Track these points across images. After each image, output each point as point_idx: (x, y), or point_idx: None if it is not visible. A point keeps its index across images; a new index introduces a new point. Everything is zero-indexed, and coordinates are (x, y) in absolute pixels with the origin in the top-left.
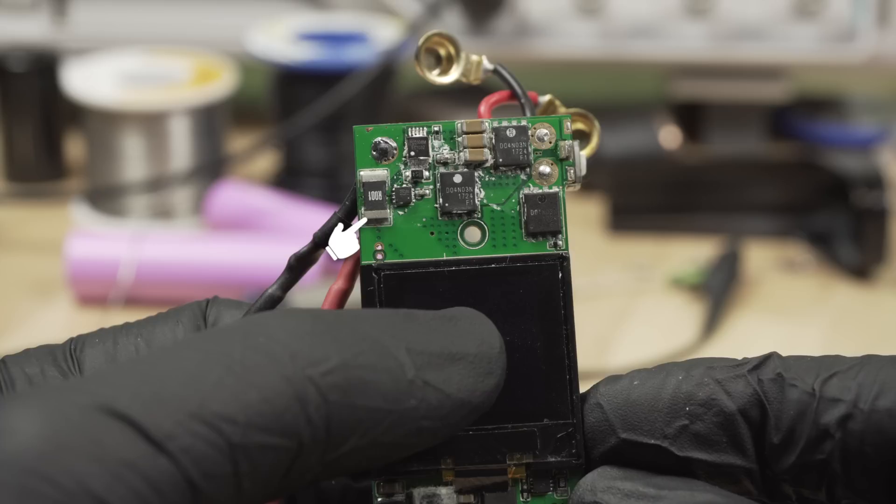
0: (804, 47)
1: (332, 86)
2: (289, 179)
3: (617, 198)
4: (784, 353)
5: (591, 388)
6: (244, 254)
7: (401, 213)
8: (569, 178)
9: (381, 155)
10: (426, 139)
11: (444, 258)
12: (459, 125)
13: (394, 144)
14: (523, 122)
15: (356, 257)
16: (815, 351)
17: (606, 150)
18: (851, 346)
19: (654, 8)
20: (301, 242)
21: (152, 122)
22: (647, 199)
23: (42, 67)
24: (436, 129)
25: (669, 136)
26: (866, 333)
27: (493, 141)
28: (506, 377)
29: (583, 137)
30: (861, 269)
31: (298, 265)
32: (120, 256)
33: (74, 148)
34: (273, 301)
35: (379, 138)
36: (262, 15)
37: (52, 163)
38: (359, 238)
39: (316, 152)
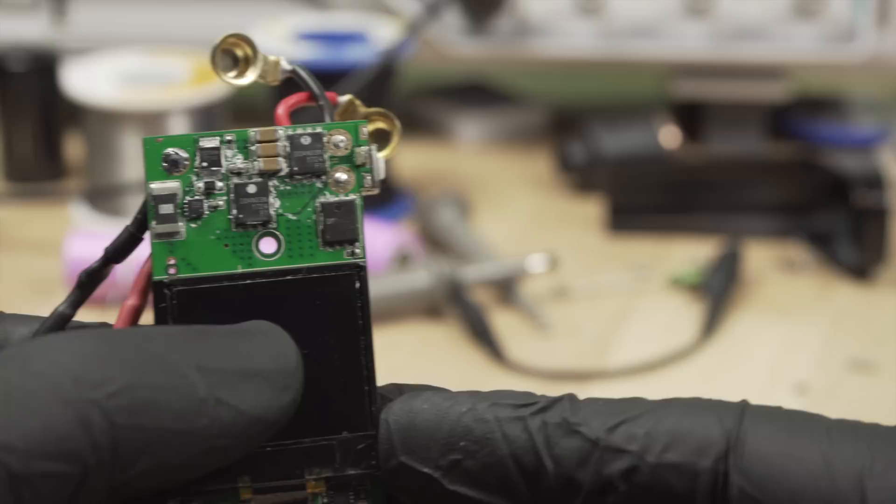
0: (804, 47)
1: (332, 86)
2: None
3: (617, 198)
4: (784, 354)
5: (388, 403)
6: None
7: (193, 225)
8: (366, 185)
9: (172, 166)
10: (218, 149)
11: (239, 271)
12: (253, 134)
13: (185, 155)
14: (318, 129)
15: (148, 272)
16: (815, 351)
17: (606, 150)
18: (851, 346)
19: (654, 8)
20: None
21: (152, 122)
22: (647, 199)
23: (42, 67)
24: (228, 138)
25: (669, 136)
26: (866, 333)
27: (288, 149)
28: (304, 390)
29: (383, 138)
30: (861, 269)
31: (89, 281)
32: None
33: (74, 148)
34: (63, 319)
35: (169, 149)
36: (262, 15)
37: (51, 163)
38: (150, 252)
39: None
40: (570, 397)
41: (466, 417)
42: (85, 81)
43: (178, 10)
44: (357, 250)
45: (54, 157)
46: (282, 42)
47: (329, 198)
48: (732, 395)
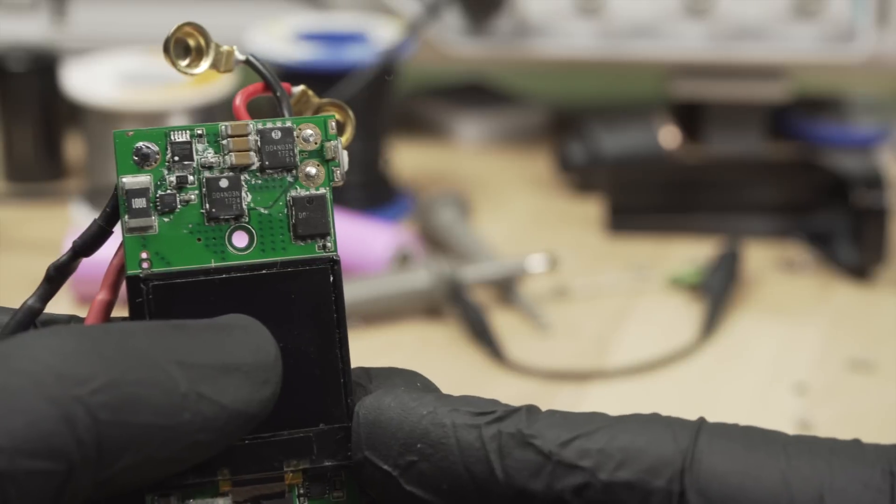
0: (804, 47)
1: (332, 86)
2: None
3: (617, 198)
4: (783, 354)
5: (363, 395)
6: None
7: (166, 219)
8: (335, 179)
9: (143, 160)
10: (189, 143)
11: (214, 265)
12: (223, 128)
13: (156, 149)
14: (288, 124)
15: (119, 266)
16: (814, 351)
17: (606, 150)
18: (851, 346)
19: (654, 8)
20: None
21: (152, 122)
22: (646, 199)
23: (42, 67)
24: (199, 132)
25: (669, 136)
26: (865, 333)
27: (259, 143)
28: (281, 384)
29: (337, 128)
30: (861, 269)
31: (58, 275)
32: None
33: (74, 148)
34: (33, 313)
35: (140, 143)
36: (262, 15)
37: (51, 162)
38: (123, 248)
39: None
40: (529, 408)
41: (426, 420)
42: (85, 81)
43: (178, 10)
44: (329, 244)
45: (54, 157)
46: (282, 42)
47: (300, 192)
48: (732, 395)
